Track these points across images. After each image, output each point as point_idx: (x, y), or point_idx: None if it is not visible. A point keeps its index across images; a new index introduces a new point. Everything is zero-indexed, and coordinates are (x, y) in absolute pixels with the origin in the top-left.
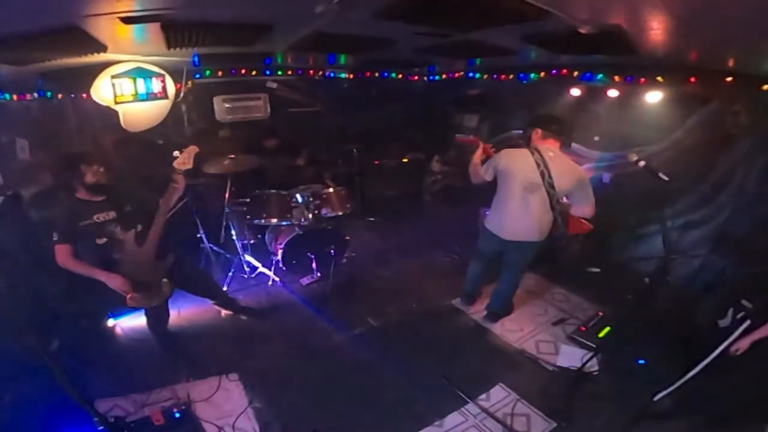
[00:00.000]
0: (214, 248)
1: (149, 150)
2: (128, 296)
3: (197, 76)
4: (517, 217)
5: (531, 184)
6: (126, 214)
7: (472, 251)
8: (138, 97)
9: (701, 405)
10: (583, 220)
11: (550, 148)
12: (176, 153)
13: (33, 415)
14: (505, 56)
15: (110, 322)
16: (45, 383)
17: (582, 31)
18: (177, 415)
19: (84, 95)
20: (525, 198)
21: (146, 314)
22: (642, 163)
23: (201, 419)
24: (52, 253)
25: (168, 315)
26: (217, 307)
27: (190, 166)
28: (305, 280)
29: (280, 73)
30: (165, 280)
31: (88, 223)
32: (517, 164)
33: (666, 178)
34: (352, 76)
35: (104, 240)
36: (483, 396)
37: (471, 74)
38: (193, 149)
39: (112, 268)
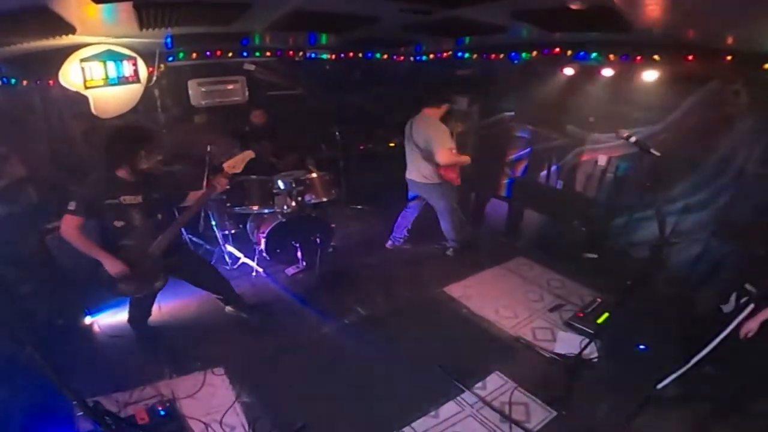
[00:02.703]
0: (194, 239)
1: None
2: (121, 283)
3: (170, 58)
4: (408, 164)
5: (407, 140)
6: (151, 202)
7: None
8: (109, 82)
9: (707, 392)
10: (447, 168)
11: (425, 114)
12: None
13: (12, 418)
14: (495, 34)
15: (87, 320)
16: (23, 386)
17: (573, 6)
18: (162, 412)
19: (51, 81)
20: (407, 151)
21: (130, 302)
22: (633, 139)
23: (187, 416)
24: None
25: (152, 304)
26: (221, 303)
27: (239, 171)
28: (290, 270)
29: (258, 54)
30: (162, 275)
31: (114, 203)
32: (407, 129)
33: (657, 154)
34: (334, 56)
35: (121, 223)
36: (479, 385)
37: (460, 54)
38: (248, 154)
39: (116, 253)
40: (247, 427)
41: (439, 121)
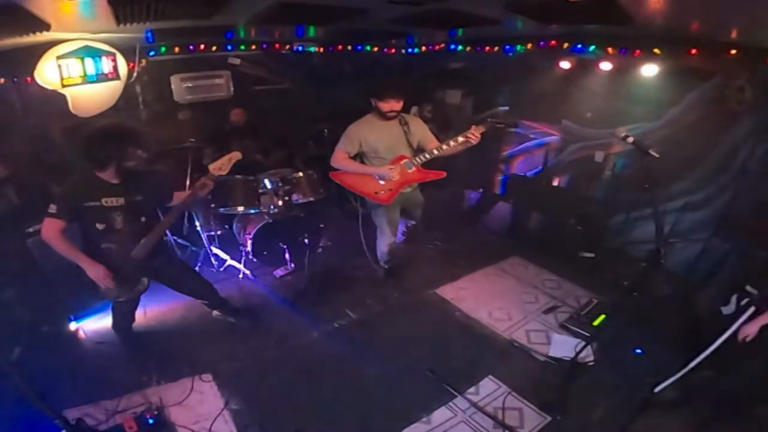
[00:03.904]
0: (179, 241)
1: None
2: (103, 287)
3: (152, 53)
4: None
5: None
6: (134, 204)
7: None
8: (87, 79)
9: (707, 396)
10: (338, 174)
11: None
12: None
13: None
14: (489, 26)
15: (72, 326)
16: (9, 397)
17: None
18: (150, 421)
19: (28, 80)
20: None
21: (113, 308)
22: (630, 139)
23: (176, 424)
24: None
25: (136, 309)
26: (207, 308)
27: (225, 173)
28: (279, 272)
29: (243, 47)
30: (145, 278)
31: (94, 205)
32: None
33: (656, 155)
34: (322, 49)
35: (103, 226)
36: (472, 389)
37: (453, 46)
38: (235, 156)
39: (97, 257)
40: None
41: (361, 119)
